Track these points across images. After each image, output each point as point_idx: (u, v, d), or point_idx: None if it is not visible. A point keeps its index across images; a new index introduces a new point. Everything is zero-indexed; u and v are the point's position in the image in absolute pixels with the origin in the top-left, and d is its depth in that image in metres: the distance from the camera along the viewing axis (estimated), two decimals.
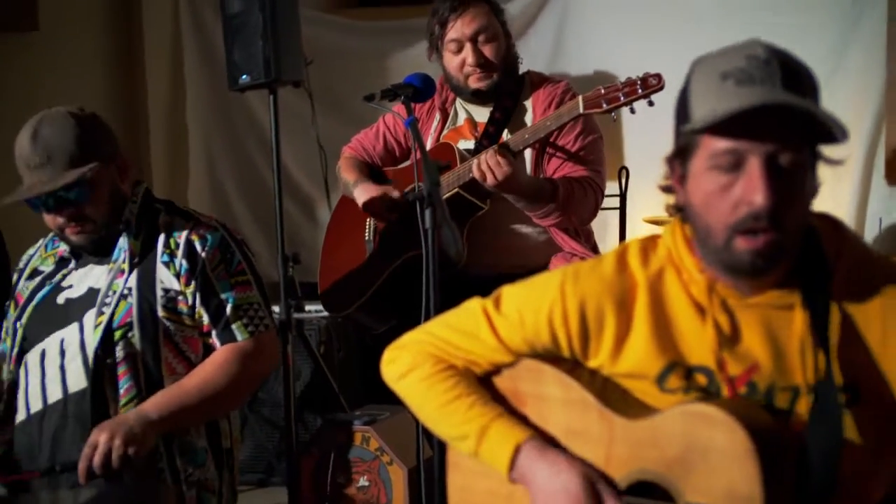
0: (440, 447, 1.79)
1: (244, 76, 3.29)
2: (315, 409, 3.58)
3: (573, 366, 1.58)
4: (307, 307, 3.70)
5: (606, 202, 2.95)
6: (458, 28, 2.86)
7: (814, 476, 1.38)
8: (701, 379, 1.48)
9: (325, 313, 3.67)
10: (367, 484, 2.88)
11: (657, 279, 1.52)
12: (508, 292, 1.63)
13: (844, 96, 3.60)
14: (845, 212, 3.67)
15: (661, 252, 1.53)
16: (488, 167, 2.61)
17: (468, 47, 2.86)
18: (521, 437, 1.56)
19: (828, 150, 1.40)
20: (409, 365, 1.67)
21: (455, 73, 2.91)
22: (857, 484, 1.43)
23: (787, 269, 1.44)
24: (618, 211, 3.63)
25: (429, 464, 2.09)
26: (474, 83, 2.88)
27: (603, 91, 2.55)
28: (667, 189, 1.50)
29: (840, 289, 1.44)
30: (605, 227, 3.77)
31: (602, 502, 1.49)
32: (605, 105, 2.55)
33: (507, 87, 2.91)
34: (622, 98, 2.52)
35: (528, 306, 1.57)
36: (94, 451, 2.06)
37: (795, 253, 1.43)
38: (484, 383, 1.64)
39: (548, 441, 1.57)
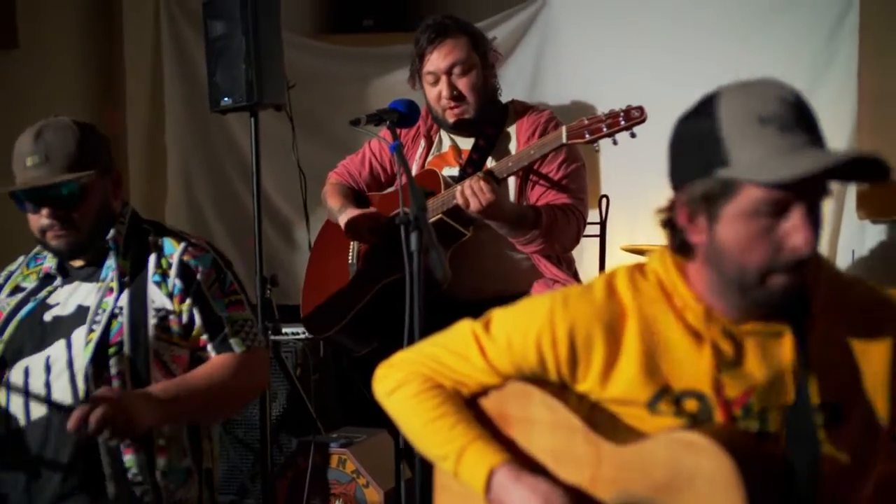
0: (421, 469, 1.80)
1: (226, 98, 3.31)
2: (291, 430, 3.57)
3: (560, 388, 1.60)
4: (284, 329, 3.70)
5: (586, 230, 2.97)
6: (434, 61, 2.89)
7: (796, 492, 1.41)
8: (690, 405, 1.50)
9: (302, 336, 3.67)
10: None
11: (648, 306, 1.53)
12: (498, 316, 1.65)
13: None
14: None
15: (651, 279, 1.55)
16: (472, 193, 2.63)
17: (443, 80, 2.88)
18: (497, 460, 1.57)
19: None
20: (398, 381, 1.69)
21: (434, 105, 2.94)
22: (843, 501, 1.46)
23: None
24: (597, 239, 3.66)
25: (409, 485, 2.10)
26: (450, 116, 2.90)
27: (586, 122, 2.56)
28: (667, 224, 1.51)
29: (819, 313, 1.48)
30: (582, 254, 3.80)
31: None
32: (587, 136, 2.56)
33: (487, 116, 2.93)
34: (605, 129, 2.54)
35: (517, 330, 1.59)
36: (92, 409, 1.98)
37: None
38: (471, 405, 1.66)
39: (531, 465, 1.58)
